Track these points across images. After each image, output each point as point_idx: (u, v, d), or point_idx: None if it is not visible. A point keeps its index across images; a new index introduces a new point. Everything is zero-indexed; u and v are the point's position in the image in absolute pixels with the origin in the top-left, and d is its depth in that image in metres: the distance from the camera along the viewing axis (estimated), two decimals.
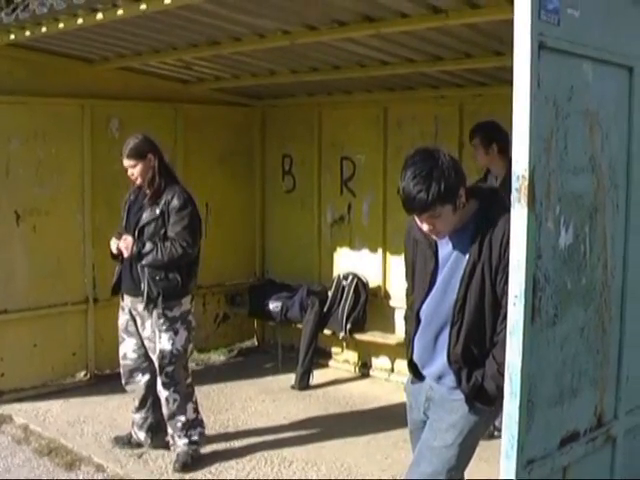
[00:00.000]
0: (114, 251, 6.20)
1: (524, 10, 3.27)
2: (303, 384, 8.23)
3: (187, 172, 8.90)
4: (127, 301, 6.30)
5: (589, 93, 3.50)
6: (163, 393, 6.18)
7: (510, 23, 5.28)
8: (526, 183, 3.20)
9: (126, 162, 6.09)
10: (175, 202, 6.01)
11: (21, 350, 7.78)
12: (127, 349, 6.37)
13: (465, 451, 3.97)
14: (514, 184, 3.23)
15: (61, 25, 6.26)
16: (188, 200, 6.08)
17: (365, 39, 6.16)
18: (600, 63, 3.53)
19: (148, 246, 5.99)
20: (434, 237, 3.88)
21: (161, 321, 6.06)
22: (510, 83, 7.11)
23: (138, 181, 6.12)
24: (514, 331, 3.25)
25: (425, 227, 3.80)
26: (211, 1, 5.33)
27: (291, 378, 8.37)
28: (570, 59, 3.42)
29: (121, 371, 6.46)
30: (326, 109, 9.14)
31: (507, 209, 3.30)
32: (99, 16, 5.90)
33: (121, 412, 7.19)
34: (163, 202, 6.04)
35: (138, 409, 6.43)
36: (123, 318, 6.36)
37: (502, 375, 3.43)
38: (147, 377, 6.32)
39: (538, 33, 3.25)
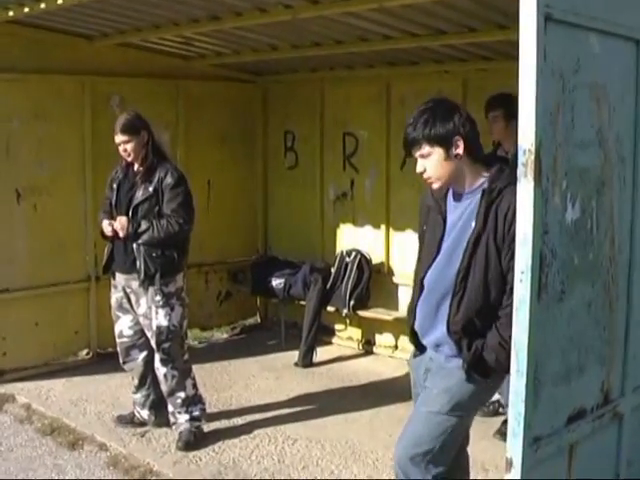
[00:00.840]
0: (108, 233, 6.16)
1: None
2: (306, 361, 8.20)
3: (188, 149, 8.90)
4: (120, 279, 6.27)
5: (596, 66, 3.44)
6: (161, 370, 6.17)
7: None
8: (532, 157, 3.16)
9: (119, 137, 6.04)
10: (169, 179, 6.00)
11: (23, 329, 7.75)
12: (123, 326, 6.36)
13: (455, 420, 3.89)
14: (520, 158, 3.19)
15: (60, 1, 6.16)
16: (181, 177, 6.08)
17: (367, 13, 6.09)
18: (607, 36, 3.48)
19: (144, 224, 5.97)
20: (432, 187, 3.90)
21: (157, 297, 6.04)
22: (515, 58, 7.09)
23: (130, 157, 6.08)
24: (520, 307, 3.21)
25: (418, 169, 3.89)
26: None
27: (294, 355, 8.35)
28: (576, 31, 3.36)
29: (118, 350, 6.45)
30: (328, 85, 9.05)
31: (515, 182, 3.28)
32: None
33: (123, 391, 7.15)
34: (156, 180, 6.01)
35: (138, 388, 6.43)
36: (116, 296, 6.35)
37: (504, 349, 3.51)
38: (144, 354, 6.32)
39: (544, 5, 3.18)
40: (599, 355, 3.70)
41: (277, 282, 8.81)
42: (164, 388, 6.21)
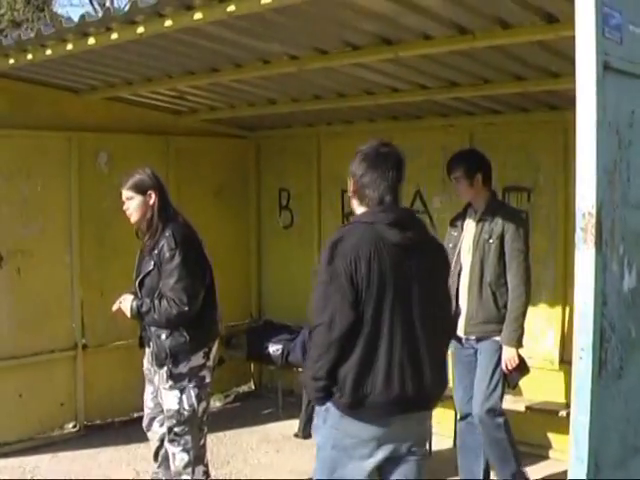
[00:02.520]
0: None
1: (589, 26, 2.89)
2: (307, 432, 7.71)
3: (179, 208, 8.43)
4: (147, 350, 5.73)
5: None
6: (170, 449, 5.58)
7: (540, 44, 4.99)
8: (593, 221, 2.86)
9: (124, 193, 5.54)
10: (165, 250, 5.34)
11: (6, 401, 7.23)
12: (147, 396, 5.80)
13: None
14: (578, 223, 2.89)
15: (49, 52, 5.76)
16: (182, 242, 5.37)
17: (378, 64, 5.75)
18: None
19: (145, 306, 5.38)
20: None
21: (164, 378, 5.45)
22: (525, 110, 6.79)
23: (132, 218, 5.54)
24: (580, 389, 2.91)
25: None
26: (217, 23, 4.87)
27: (293, 425, 7.88)
28: (632, 81, 3.09)
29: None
30: (325, 140, 8.69)
31: None
32: (91, 41, 5.41)
33: (113, 467, 6.72)
34: (156, 251, 5.41)
35: (154, 460, 5.85)
36: (145, 363, 5.79)
37: None
38: (163, 430, 5.69)
39: (603, 52, 2.90)
40: None
41: (274, 348, 8.36)
42: (172, 468, 5.64)
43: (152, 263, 5.40)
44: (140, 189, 5.49)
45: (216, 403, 8.92)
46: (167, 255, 5.31)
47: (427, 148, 7.83)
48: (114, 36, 5.24)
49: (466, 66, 5.71)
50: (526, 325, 7.15)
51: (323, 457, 3.91)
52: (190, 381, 5.43)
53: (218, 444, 7.50)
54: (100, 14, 5.15)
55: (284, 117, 8.33)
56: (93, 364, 7.58)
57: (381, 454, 3.83)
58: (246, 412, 8.64)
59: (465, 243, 5.92)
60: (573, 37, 4.66)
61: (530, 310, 7.17)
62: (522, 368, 5.76)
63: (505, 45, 5.06)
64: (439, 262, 4.07)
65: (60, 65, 6.41)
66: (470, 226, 5.94)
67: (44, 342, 7.51)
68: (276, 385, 8.79)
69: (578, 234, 2.89)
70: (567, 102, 6.51)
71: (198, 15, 4.68)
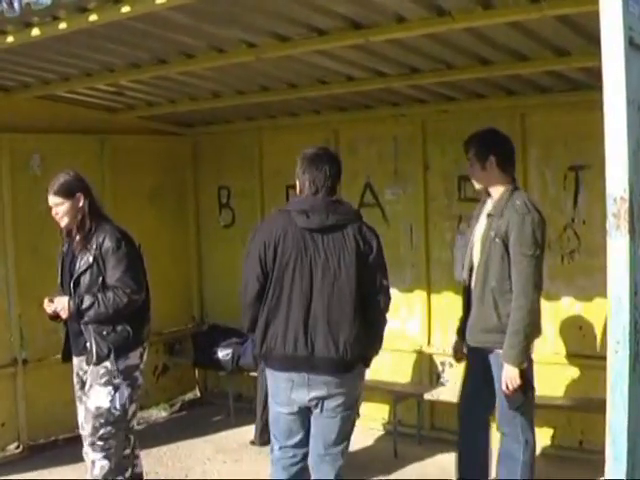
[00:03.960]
0: (50, 313, 5.43)
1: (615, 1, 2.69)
2: (264, 439, 7.36)
3: (116, 210, 7.98)
4: (75, 361, 5.55)
5: None
6: (90, 455, 5.34)
7: (514, 25, 4.77)
8: (626, 206, 2.70)
9: (51, 200, 5.41)
10: (107, 243, 5.31)
11: None
12: (80, 418, 5.56)
13: None
14: (610, 208, 2.73)
15: None
16: (122, 239, 5.41)
17: (342, 51, 5.43)
18: None
19: (87, 300, 5.24)
20: None
21: (99, 374, 5.29)
22: (482, 96, 6.58)
23: (63, 222, 5.42)
24: (617, 383, 2.76)
25: None
26: (177, 8, 4.49)
27: (247, 431, 7.60)
28: None
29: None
30: (268, 134, 8.38)
31: None
32: (34, 32, 4.97)
33: None
34: (95, 246, 5.32)
35: None
36: (74, 383, 5.59)
37: None
38: None
39: (628, 27, 2.72)
40: None
41: (224, 353, 8.01)
42: (88, 476, 5.37)
43: (91, 258, 5.31)
44: (67, 193, 5.39)
45: (162, 413, 8.60)
46: (112, 245, 5.31)
47: (377, 139, 7.62)
48: (62, 25, 4.81)
49: (433, 50, 5.43)
50: None
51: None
52: (125, 380, 5.34)
53: (172, 457, 7.17)
54: (48, 2, 4.71)
55: (224, 111, 7.96)
56: (34, 380, 7.14)
57: (296, 402, 4.80)
58: (196, 421, 8.29)
59: (476, 238, 5.30)
60: (556, 17, 4.52)
61: None
62: (526, 389, 4.97)
63: (480, 27, 4.83)
64: (347, 244, 4.68)
65: None
66: (482, 219, 5.31)
67: None
68: (223, 390, 8.53)
69: (610, 221, 2.72)
70: (528, 87, 6.36)
71: None
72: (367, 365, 4.95)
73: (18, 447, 7.28)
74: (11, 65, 6.15)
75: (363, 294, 4.69)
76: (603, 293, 2.87)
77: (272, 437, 5.10)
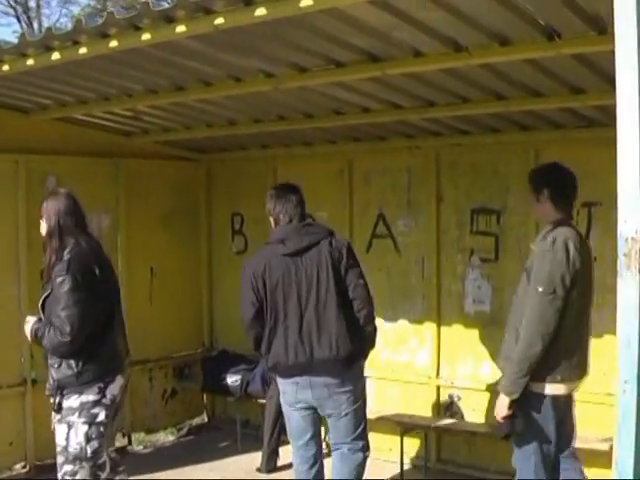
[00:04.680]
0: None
1: (630, 42, 2.67)
2: (270, 466, 7.40)
3: (130, 233, 8.17)
4: None
5: None
6: None
7: (531, 62, 4.81)
8: (637, 246, 2.65)
9: None
10: (56, 274, 5.02)
11: None
12: None
13: None
14: (621, 248, 2.68)
15: (5, 67, 5.37)
16: (73, 269, 5.02)
17: (358, 83, 5.48)
18: None
19: (39, 330, 5.08)
20: None
21: (56, 411, 5.12)
22: (496, 130, 6.61)
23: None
24: (624, 423, 2.70)
25: None
26: (199, 37, 4.55)
27: (253, 458, 7.56)
28: None
29: None
30: (282, 162, 8.42)
31: None
32: (55, 55, 5.03)
33: None
34: (53, 275, 5.08)
35: None
36: None
37: None
38: None
39: None
40: None
41: (233, 379, 8.03)
42: None
43: (50, 287, 5.10)
44: (43, 212, 5.28)
45: (169, 437, 8.59)
46: (57, 280, 5.01)
47: (391, 170, 7.64)
48: (82, 50, 4.87)
49: (449, 84, 5.49)
50: (496, 350, 7.08)
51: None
52: (80, 417, 5.07)
53: None
54: (70, 27, 4.78)
55: (239, 139, 8.04)
56: (43, 400, 7.05)
57: (303, 404, 5.50)
58: (202, 446, 8.28)
59: None
60: (571, 55, 4.56)
61: (501, 335, 7.03)
62: (514, 423, 4.87)
63: (496, 63, 4.87)
64: (322, 258, 5.38)
65: (10, 82, 6.01)
66: None
67: None
68: (230, 416, 8.53)
69: (621, 260, 2.67)
70: (542, 122, 6.39)
71: (181, 28, 4.36)
72: (365, 356, 5.71)
73: (25, 467, 7.31)
74: (30, 87, 6.23)
75: (344, 297, 5.41)
76: (612, 330, 2.88)
77: (289, 437, 5.83)
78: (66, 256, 5.06)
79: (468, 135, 7.09)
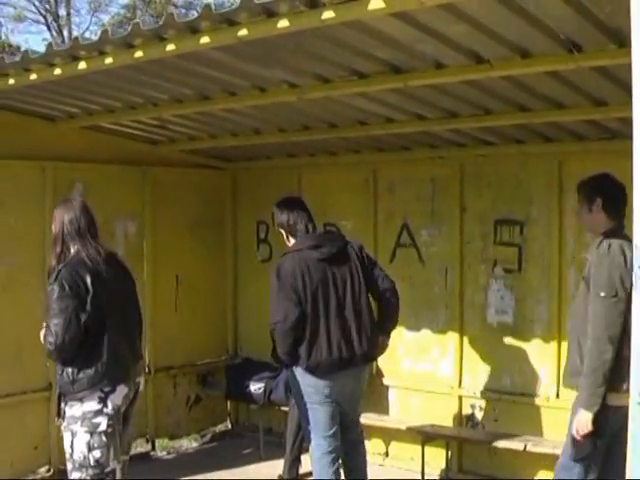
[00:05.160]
0: None
1: None
2: (292, 474, 7.41)
3: (155, 241, 8.24)
4: None
5: None
6: None
7: (553, 74, 4.82)
8: None
9: None
10: (50, 279, 5.10)
11: None
12: None
13: None
14: (637, 260, 2.67)
15: (33, 76, 5.43)
16: (60, 271, 5.05)
17: (381, 94, 5.52)
18: None
19: (44, 333, 5.12)
20: None
21: (63, 418, 5.14)
22: (519, 142, 6.61)
23: None
24: (637, 435, 2.70)
25: None
26: (223, 49, 4.60)
27: (275, 466, 7.57)
28: None
29: None
30: (306, 171, 8.47)
31: None
32: (81, 65, 5.11)
33: None
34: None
35: None
36: None
37: None
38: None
39: None
40: None
41: (256, 387, 8.08)
42: None
43: None
44: (55, 216, 5.36)
45: (192, 443, 8.65)
46: (48, 289, 5.09)
47: (415, 180, 7.66)
48: (108, 60, 4.93)
49: (471, 96, 5.51)
50: (519, 360, 7.09)
51: (298, 404, 6.11)
52: (82, 426, 5.06)
53: None
54: (97, 37, 4.85)
55: (264, 148, 8.09)
56: None
57: (332, 398, 5.91)
58: (225, 453, 8.33)
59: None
60: (593, 68, 4.57)
61: (524, 345, 7.08)
62: (596, 439, 4.70)
63: (518, 75, 4.89)
64: (351, 262, 5.98)
65: (38, 91, 6.10)
66: None
67: (16, 382, 7.14)
68: (254, 423, 8.56)
69: (636, 273, 2.66)
70: (565, 134, 6.39)
71: (205, 39, 4.42)
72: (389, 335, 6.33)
73: (49, 470, 7.38)
74: (58, 96, 6.31)
75: (373, 290, 6.08)
76: None
77: (312, 434, 6.04)
78: (60, 265, 5.11)
79: (492, 146, 7.09)
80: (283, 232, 6.16)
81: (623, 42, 4.09)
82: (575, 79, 4.93)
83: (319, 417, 5.96)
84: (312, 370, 5.83)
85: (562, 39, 4.21)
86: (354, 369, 5.97)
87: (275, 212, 6.21)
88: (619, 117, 5.57)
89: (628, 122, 5.36)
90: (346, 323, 5.90)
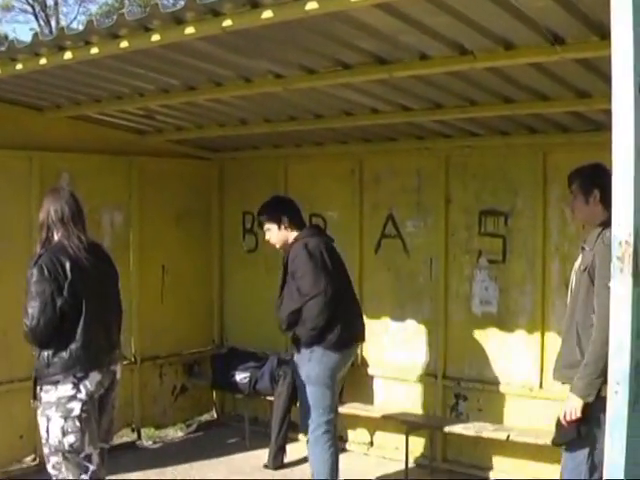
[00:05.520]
0: None
1: (626, 47, 2.77)
2: (277, 462, 7.48)
3: (142, 231, 8.24)
4: None
5: None
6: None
7: (536, 66, 4.86)
8: (630, 250, 2.72)
9: None
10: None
11: None
12: None
13: None
14: (615, 251, 2.75)
15: (19, 66, 5.44)
16: (41, 256, 5.11)
17: (367, 85, 5.55)
18: None
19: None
20: None
21: (40, 401, 5.17)
22: (505, 133, 6.65)
23: None
24: (616, 424, 2.76)
25: None
26: (208, 39, 4.62)
27: (260, 455, 7.63)
28: None
29: None
30: (293, 162, 8.48)
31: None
32: (67, 55, 5.12)
33: None
34: None
35: None
36: None
37: None
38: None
39: (638, 74, 2.79)
40: None
41: (241, 376, 8.10)
42: None
43: None
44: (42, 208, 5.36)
45: (178, 433, 8.67)
46: (27, 273, 5.10)
47: (401, 171, 7.69)
48: (94, 51, 4.95)
49: (456, 87, 5.54)
50: (503, 351, 7.13)
51: (314, 389, 6.18)
52: (57, 411, 5.09)
53: (185, 477, 7.21)
54: (82, 27, 4.86)
55: (250, 138, 8.11)
56: None
57: (340, 375, 6.39)
58: (210, 442, 8.35)
59: (573, 274, 5.04)
60: (576, 60, 4.61)
61: (507, 336, 7.13)
62: (580, 428, 4.64)
63: (502, 67, 4.92)
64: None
65: (25, 81, 6.10)
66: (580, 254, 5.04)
67: (3, 372, 7.14)
68: (239, 413, 8.60)
69: (614, 263, 2.75)
70: (550, 125, 6.42)
71: (190, 30, 4.44)
72: None
73: (35, 459, 7.38)
74: (44, 86, 6.32)
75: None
76: None
77: (315, 418, 6.18)
78: (41, 250, 5.16)
79: (477, 137, 7.12)
80: (283, 230, 6.51)
81: (605, 35, 4.12)
82: (559, 71, 4.96)
83: (327, 399, 6.20)
84: (338, 346, 6.15)
85: (544, 31, 4.25)
86: (356, 346, 6.65)
87: (271, 215, 6.64)
88: (603, 109, 5.59)
89: (611, 114, 5.42)
90: (354, 302, 6.54)
